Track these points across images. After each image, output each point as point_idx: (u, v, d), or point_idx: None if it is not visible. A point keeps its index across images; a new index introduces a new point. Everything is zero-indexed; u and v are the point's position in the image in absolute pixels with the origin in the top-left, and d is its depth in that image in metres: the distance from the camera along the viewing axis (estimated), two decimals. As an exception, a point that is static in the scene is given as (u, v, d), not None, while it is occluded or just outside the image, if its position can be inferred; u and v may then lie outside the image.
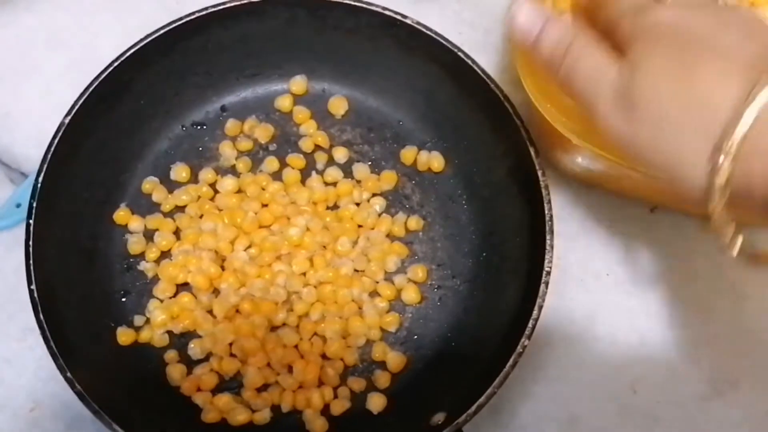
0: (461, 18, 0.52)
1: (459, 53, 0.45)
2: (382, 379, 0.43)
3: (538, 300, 0.40)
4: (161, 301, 0.45)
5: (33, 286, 0.40)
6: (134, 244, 0.46)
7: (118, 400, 0.40)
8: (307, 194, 0.47)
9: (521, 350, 0.39)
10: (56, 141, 0.43)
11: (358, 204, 0.47)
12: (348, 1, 0.45)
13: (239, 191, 0.47)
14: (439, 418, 0.40)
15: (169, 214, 0.47)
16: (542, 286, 0.40)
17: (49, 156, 0.42)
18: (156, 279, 0.45)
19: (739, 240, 0.29)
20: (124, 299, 0.45)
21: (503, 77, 0.48)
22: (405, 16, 0.45)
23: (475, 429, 0.41)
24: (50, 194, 0.42)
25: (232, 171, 0.48)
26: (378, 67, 0.48)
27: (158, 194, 0.47)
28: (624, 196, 0.48)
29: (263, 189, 0.47)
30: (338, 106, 0.49)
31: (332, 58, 0.48)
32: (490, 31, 0.52)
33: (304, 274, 0.45)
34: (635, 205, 0.48)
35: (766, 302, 0.46)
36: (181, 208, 0.47)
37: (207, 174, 0.47)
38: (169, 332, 0.44)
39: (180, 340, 0.44)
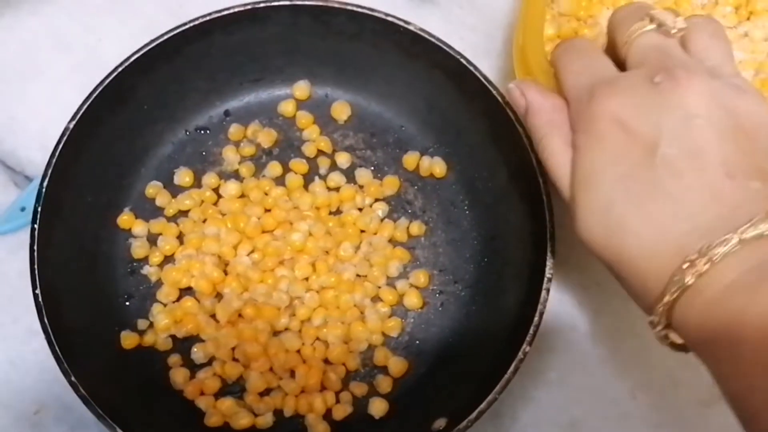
0: (463, 23, 0.52)
1: (461, 59, 0.45)
2: (384, 384, 0.44)
3: (540, 306, 0.40)
4: (164, 305, 0.45)
5: (38, 290, 0.41)
6: (138, 248, 0.46)
7: (122, 404, 0.40)
8: (310, 199, 0.47)
9: (522, 356, 0.39)
10: (61, 146, 0.43)
11: (360, 209, 0.47)
12: (351, 8, 0.45)
13: (242, 196, 0.47)
14: (440, 423, 0.40)
15: (173, 219, 0.47)
16: (543, 292, 0.40)
17: (54, 161, 0.43)
18: (159, 283, 0.45)
19: (670, 334, 0.32)
20: (127, 303, 0.45)
21: (505, 83, 0.47)
22: (408, 23, 0.45)
23: (476, 433, 0.42)
24: (55, 199, 0.43)
25: (235, 176, 0.48)
26: (380, 73, 0.48)
27: (162, 198, 0.47)
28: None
29: (266, 194, 0.47)
30: (341, 111, 0.49)
31: (335, 64, 0.49)
32: (492, 37, 0.52)
33: (306, 279, 0.45)
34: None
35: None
36: (184, 213, 0.47)
37: (210, 178, 0.48)
38: (173, 336, 0.44)
39: (183, 344, 0.44)
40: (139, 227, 0.46)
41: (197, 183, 0.48)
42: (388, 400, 0.43)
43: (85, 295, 0.44)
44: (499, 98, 0.44)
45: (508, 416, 0.45)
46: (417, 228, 0.47)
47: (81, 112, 0.44)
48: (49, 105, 0.50)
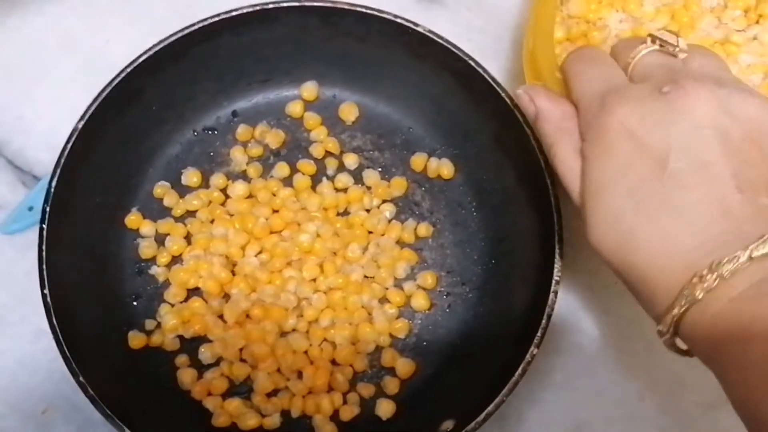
0: (472, 25, 0.52)
1: (470, 61, 0.45)
2: (392, 386, 0.44)
3: (547, 309, 0.40)
4: (172, 305, 0.45)
5: (46, 290, 0.41)
6: (145, 248, 0.46)
7: (129, 404, 0.40)
8: (318, 200, 0.47)
9: (530, 358, 0.39)
10: (69, 146, 0.43)
11: (368, 210, 0.47)
12: (359, 9, 0.45)
13: (250, 196, 0.47)
14: (447, 425, 0.40)
15: (180, 219, 0.47)
16: (551, 295, 0.40)
17: (63, 161, 0.43)
18: (167, 283, 0.46)
19: (677, 341, 0.32)
20: (135, 303, 0.45)
21: (514, 85, 0.48)
22: (416, 24, 0.45)
23: (482, 435, 0.42)
24: (63, 199, 0.43)
25: (243, 176, 0.48)
26: (388, 74, 0.48)
27: (169, 199, 0.47)
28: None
29: (274, 195, 0.47)
30: (349, 112, 0.49)
31: (343, 65, 0.49)
32: (500, 38, 0.52)
33: (314, 280, 0.45)
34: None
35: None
36: (192, 213, 0.47)
37: (218, 179, 0.48)
38: (180, 336, 0.45)
39: (190, 345, 0.44)
40: (147, 227, 0.47)
41: (205, 183, 0.48)
42: (396, 401, 0.43)
43: (93, 295, 0.44)
44: (507, 100, 0.44)
45: (514, 418, 0.45)
46: (424, 229, 0.47)
47: (89, 112, 0.44)
48: (56, 105, 0.51)
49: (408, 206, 0.48)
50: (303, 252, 0.46)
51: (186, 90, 0.48)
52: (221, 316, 0.45)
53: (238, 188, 0.47)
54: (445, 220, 0.48)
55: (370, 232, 0.47)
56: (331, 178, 0.48)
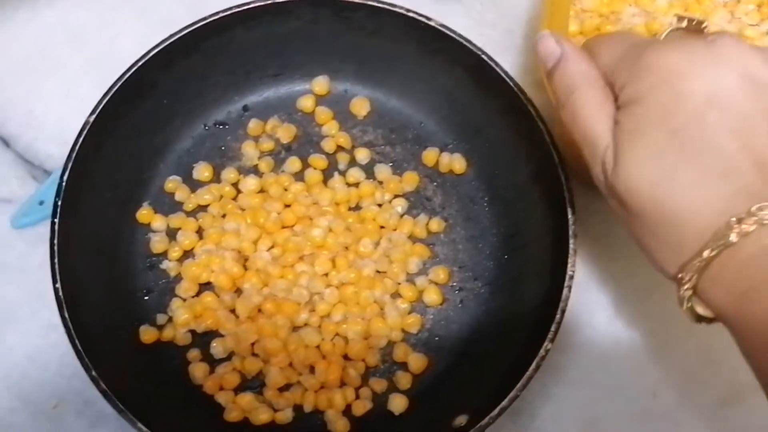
0: (484, 19, 0.52)
1: (482, 55, 0.45)
2: (404, 381, 0.44)
3: (561, 304, 0.40)
4: (184, 300, 0.45)
5: (58, 285, 0.40)
6: (157, 243, 0.46)
7: (141, 398, 0.40)
8: (330, 195, 0.47)
9: (544, 354, 0.39)
10: (81, 140, 0.43)
11: (380, 205, 0.47)
12: (372, 3, 0.45)
13: (261, 191, 0.47)
14: (461, 420, 0.40)
15: (192, 214, 0.47)
16: (565, 290, 0.40)
17: (74, 155, 0.42)
18: (179, 278, 0.45)
19: (694, 302, 0.32)
20: (146, 298, 0.45)
21: (526, 79, 0.48)
22: (429, 18, 0.45)
23: (495, 430, 0.41)
24: (75, 193, 0.42)
25: (255, 171, 0.48)
26: (400, 68, 0.48)
27: (181, 193, 0.47)
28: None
29: (286, 189, 0.47)
30: (360, 106, 0.49)
31: (355, 59, 0.48)
32: (512, 33, 0.52)
33: (326, 274, 0.45)
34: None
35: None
36: (203, 208, 0.47)
37: (229, 173, 0.48)
38: (192, 331, 0.44)
39: (202, 339, 0.44)
40: (158, 222, 0.46)
41: (216, 178, 0.48)
42: (408, 396, 0.43)
43: (104, 290, 0.44)
44: (520, 94, 0.44)
45: (527, 413, 0.45)
46: (436, 224, 0.47)
47: (101, 106, 0.43)
48: (65, 99, 0.50)
49: (420, 201, 0.48)
50: (315, 247, 0.46)
51: (197, 84, 0.48)
52: (233, 311, 0.44)
53: (250, 183, 0.47)
54: (457, 215, 0.47)
55: (382, 227, 0.47)
56: (343, 173, 0.48)
